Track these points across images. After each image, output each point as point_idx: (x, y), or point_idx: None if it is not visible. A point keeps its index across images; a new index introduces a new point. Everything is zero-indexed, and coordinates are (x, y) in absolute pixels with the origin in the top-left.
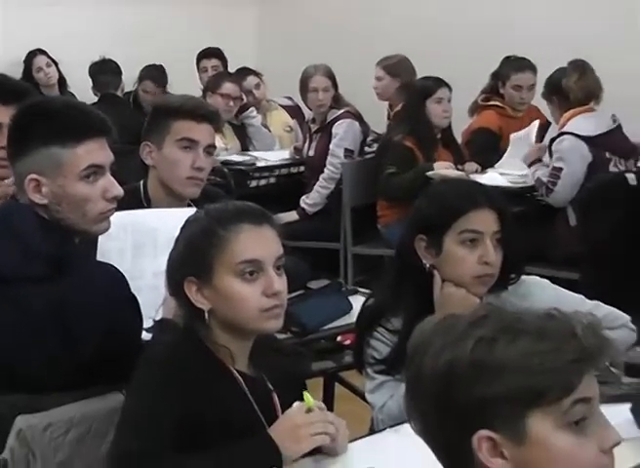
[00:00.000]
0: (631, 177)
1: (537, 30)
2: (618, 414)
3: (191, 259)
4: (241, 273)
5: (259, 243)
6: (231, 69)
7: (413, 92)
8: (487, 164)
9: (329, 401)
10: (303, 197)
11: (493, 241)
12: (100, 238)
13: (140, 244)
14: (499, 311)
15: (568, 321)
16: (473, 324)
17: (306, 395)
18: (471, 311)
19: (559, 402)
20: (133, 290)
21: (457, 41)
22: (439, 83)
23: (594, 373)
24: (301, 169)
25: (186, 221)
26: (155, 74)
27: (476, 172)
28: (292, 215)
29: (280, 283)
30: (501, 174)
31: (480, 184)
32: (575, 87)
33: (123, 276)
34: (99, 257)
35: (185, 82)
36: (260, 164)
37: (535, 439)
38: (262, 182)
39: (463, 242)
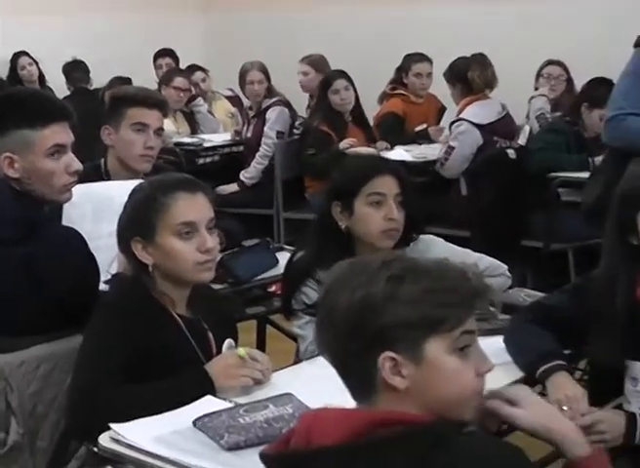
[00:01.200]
0: (511, 152)
1: (434, 30)
2: (493, 344)
3: (137, 222)
4: (179, 233)
5: (193, 208)
6: (182, 66)
7: (319, 85)
8: (394, 142)
9: (261, 339)
10: (243, 172)
11: (395, 202)
12: (65, 206)
13: (98, 210)
14: (404, 256)
15: (461, 267)
16: (384, 265)
17: (239, 350)
18: (381, 255)
19: (452, 331)
20: (92, 249)
21: (365, 39)
22: (335, 75)
23: (476, 312)
24: (241, 148)
25: (133, 190)
26: (122, 83)
27: (385, 149)
28: (233, 187)
29: (211, 241)
30: (406, 150)
31: (382, 157)
32: (477, 79)
33: (83, 237)
34: (64, 222)
35: (145, 77)
36: (206, 144)
37: (429, 360)
38: (209, 160)
39: (371, 203)
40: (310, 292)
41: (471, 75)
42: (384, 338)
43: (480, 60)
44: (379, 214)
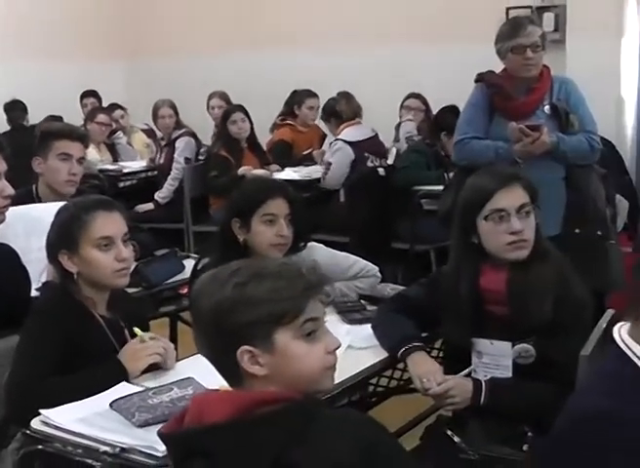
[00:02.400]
0: (381, 170)
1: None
2: (363, 330)
3: (63, 237)
4: (98, 245)
5: (110, 224)
6: (105, 105)
7: (221, 116)
8: (285, 165)
9: (173, 334)
10: (157, 192)
11: (285, 221)
12: (0, 226)
13: (29, 228)
14: (249, 263)
15: (296, 265)
16: (232, 273)
17: (136, 330)
18: (233, 265)
19: (294, 321)
20: (24, 262)
21: (263, 78)
22: (234, 109)
23: (322, 300)
24: (155, 173)
25: (59, 210)
26: (54, 120)
27: (277, 170)
28: (149, 206)
29: (126, 252)
30: (295, 171)
31: (275, 181)
32: (346, 109)
33: (16, 253)
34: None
35: (74, 114)
36: (125, 170)
37: (280, 348)
38: (128, 183)
39: (264, 222)
40: None
41: (339, 107)
42: (240, 335)
43: (345, 95)
44: (271, 231)
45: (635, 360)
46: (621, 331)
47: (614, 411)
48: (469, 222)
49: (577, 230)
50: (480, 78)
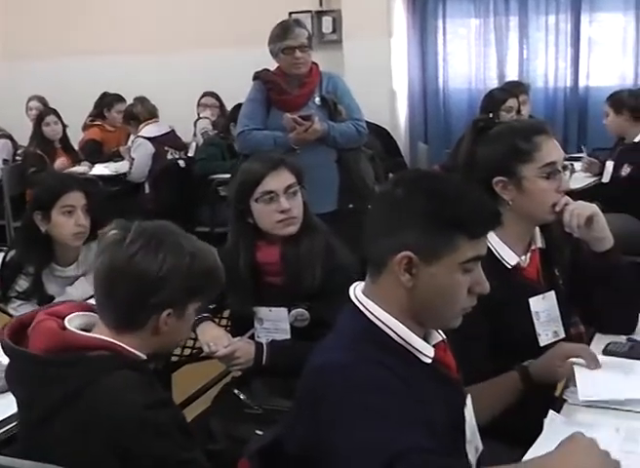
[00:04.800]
0: (182, 162)
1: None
2: None
3: None
4: None
5: None
6: None
7: (35, 119)
8: (95, 161)
9: None
10: None
11: (83, 211)
12: None
13: None
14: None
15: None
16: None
17: None
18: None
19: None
20: None
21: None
22: (48, 111)
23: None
24: None
25: None
26: None
27: (88, 167)
28: None
29: None
30: (105, 167)
31: (72, 175)
32: (141, 110)
33: None
34: None
35: None
36: None
37: (188, 316)
38: None
39: (64, 213)
40: (22, 283)
41: (136, 110)
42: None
43: (140, 99)
44: (70, 222)
45: (367, 313)
46: (356, 291)
47: (345, 362)
48: (244, 204)
49: (350, 205)
50: (257, 76)
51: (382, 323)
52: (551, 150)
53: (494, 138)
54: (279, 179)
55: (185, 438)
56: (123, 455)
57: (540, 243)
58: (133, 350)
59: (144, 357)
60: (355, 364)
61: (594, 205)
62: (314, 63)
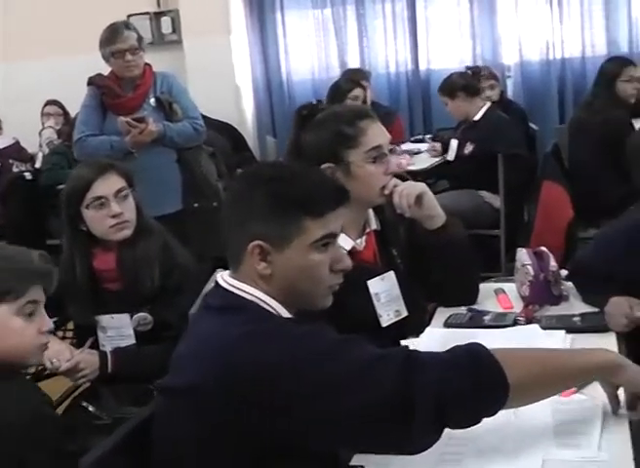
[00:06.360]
0: (28, 174)
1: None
2: None
3: None
4: None
5: None
6: None
7: None
8: None
9: None
10: None
11: None
12: None
13: None
14: None
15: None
16: None
17: None
18: None
19: (17, 300)
20: None
21: None
22: None
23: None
24: None
25: None
26: None
27: None
28: None
29: None
30: None
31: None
32: None
33: None
34: None
35: None
36: None
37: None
38: None
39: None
40: None
41: None
42: None
43: None
44: None
45: (243, 294)
46: (224, 276)
47: (224, 334)
48: (75, 212)
49: (195, 204)
50: (90, 81)
51: (261, 300)
52: (376, 134)
53: (318, 125)
54: (108, 184)
55: None
56: None
57: (375, 225)
58: None
59: None
60: (269, 336)
61: (423, 184)
62: (147, 65)
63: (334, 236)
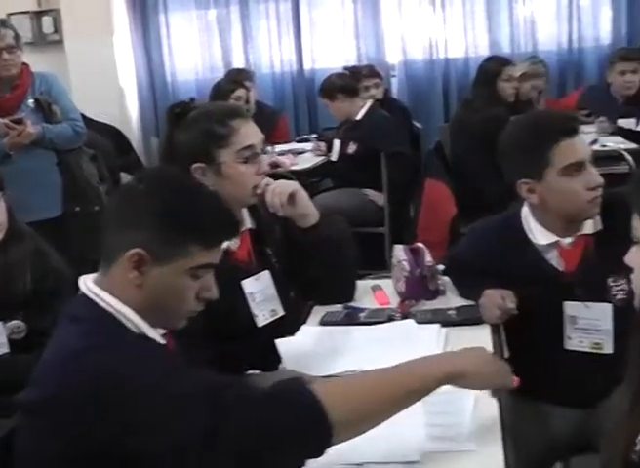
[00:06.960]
0: None
1: None
2: None
3: None
4: None
5: None
6: None
7: None
8: None
9: None
10: None
11: None
12: None
13: None
14: None
15: None
16: None
17: None
18: None
19: None
20: None
21: None
22: None
23: None
24: None
25: None
26: None
27: None
28: None
29: None
30: None
31: None
32: None
33: None
34: None
35: None
36: None
37: None
38: None
39: None
40: None
41: None
42: None
43: None
44: None
45: (101, 303)
46: (87, 282)
47: (86, 349)
48: None
49: (77, 208)
50: None
51: (117, 311)
52: (248, 133)
53: (190, 124)
54: None
55: None
56: None
57: (249, 224)
58: None
59: None
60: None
61: (295, 182)
62: (25, 65)
63: (213, 267)
